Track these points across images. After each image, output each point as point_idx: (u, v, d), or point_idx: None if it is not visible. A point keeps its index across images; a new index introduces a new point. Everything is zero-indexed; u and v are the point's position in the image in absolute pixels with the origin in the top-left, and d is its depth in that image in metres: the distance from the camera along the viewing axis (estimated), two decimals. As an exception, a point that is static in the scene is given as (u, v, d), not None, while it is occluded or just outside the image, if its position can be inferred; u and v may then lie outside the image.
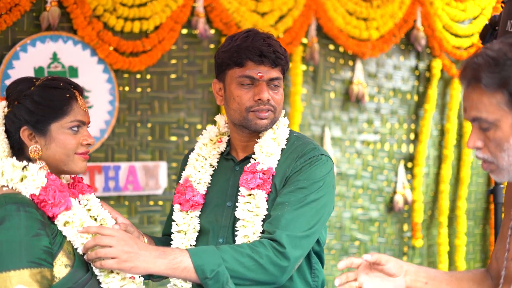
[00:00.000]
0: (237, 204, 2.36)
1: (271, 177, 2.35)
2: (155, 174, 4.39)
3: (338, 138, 5.14)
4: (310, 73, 5.03)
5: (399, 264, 1.97)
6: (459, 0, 5.57)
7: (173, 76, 4.51)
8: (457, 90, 5.55)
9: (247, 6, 4.67)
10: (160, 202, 4.45)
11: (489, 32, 4.23)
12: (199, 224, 2.45)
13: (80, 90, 2.27)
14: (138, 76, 4.41)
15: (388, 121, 5.38)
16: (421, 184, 5.43)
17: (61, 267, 2.10)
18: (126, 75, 4.37)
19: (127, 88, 4.38)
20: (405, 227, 5.44)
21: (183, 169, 2.57)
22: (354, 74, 5.17)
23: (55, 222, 2.14)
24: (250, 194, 2.34)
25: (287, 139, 2.43)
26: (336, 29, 5.00)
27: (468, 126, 5.57)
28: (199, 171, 2.48)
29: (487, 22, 4.38)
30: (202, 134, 2.54)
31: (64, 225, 2.14)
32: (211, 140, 2.52)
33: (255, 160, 2.38)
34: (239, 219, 2.34)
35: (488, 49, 1.75)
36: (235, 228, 2.35)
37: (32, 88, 2.20)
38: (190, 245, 2.43)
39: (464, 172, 5.66)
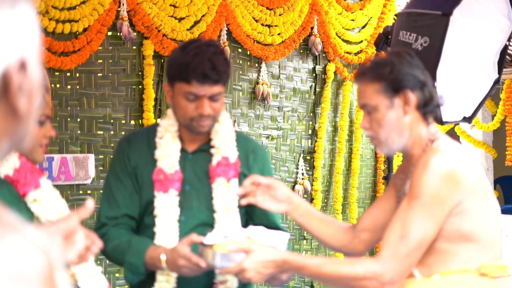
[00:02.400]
0: (214, 192, 2.74)
1: (236, 166, 2.79)
2: (84, 165, 4.71)
3: (246, 132, 5.64)
4: (221, 74, 5.50)
5: (288, 195, 2.68)
6: (350, 10, 6.23)
7: (99, 74, 4.85)
8: (348, 91, 6.21)
9: (166, 11, 5.08)
10: (89, 191, 4.78)
11: (382, 41, 4.89)
12: (178, 201, 2.76)
13: (47, 88, 2.59)
14: (68, 74, 4.72)
15: (289, 118, 5.94)
16: (320, 175, 6.02)
17: None
18: (57, 73, 4.67)
19: (58, 85, 4.69)
20: (305, 213, 6.00)
21: (131, 160, 2.81)
22: (259, 75, 5.69)
23: (25, 200, 2.41)
24: (222, 183, 2.75)
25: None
26: (244, 34, 5.51)
27: (357, 123, 6.23)
28: (173, 165, 2.77)
29: (381, 32, 5.06)
30: (159, 129, 2.82)
31: (33, 201, 2.41)
32: (171, 135, 2.81)
33: (220, 153, 2.78)
34: (211, 206, 2.74)
35: (377, 58, 2.54)
36: (213, 211, 2.74)
37: None
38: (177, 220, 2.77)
39: (354, 164, 6.31)
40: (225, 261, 2.45)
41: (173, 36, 5.08)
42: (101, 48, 4.82)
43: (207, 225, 2.73)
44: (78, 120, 4.77)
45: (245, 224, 2.75)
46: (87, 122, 4.80)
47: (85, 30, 4.71)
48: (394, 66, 2.43)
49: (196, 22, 5.25)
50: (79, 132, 4.77)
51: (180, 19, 5.17)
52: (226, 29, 5.41)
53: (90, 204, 1.97)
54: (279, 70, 5.86)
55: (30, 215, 2.41)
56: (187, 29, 5.20)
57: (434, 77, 3.74)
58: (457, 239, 2.33)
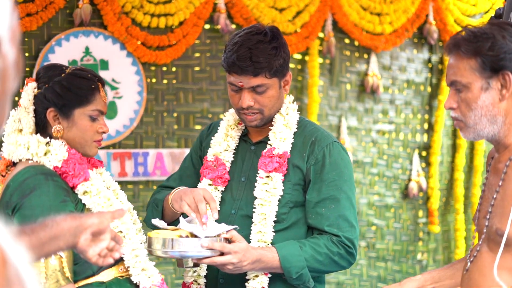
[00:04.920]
0: (255, 184, 2.63)
1: (286, 160, 2.63)
2: (180, 160, 4.65)
3: (354, 127, 5.39)
4: (327, 66, 5.29)
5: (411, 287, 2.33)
6: (470, -6, 5.80)
7: (197, 68, 4.79)
8: (469, 82, 5.77)
9: (266, 2, 4.93)
10: (186, 186, 4.73)
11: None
12: (220, 197, 2.74)
13: (103, 83, 2.52)
14: (164, 68, 4.70)
15: (402, 112, 5.61)
16: (436, 172, 5.65)
17: None
18: (153, 68, 4.66)
19: (154, 80, 4.68)
20: (420, 213, 5.66)
21: (202, 143, 2.84)
22: (369, 67, 5.41)
23: (76, 192, 2.36)
24: (268, 176, 2.62)
25: (298, 122, 2.71)
26: (351, 24, 5.25)
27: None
28: (226, 150, 2.75)
29: (492, 15, 4.64)
30: (225, 116, 2.82)
31: (83, 194, 2.36)
32: (234, 122, 2.79)
33: (270, 145, 2.66)
34: (256, 198, 2.63)
35: (472, 27, 2.11)
36: (253, 206, 2.64)
37: (62, 75, 2.42)
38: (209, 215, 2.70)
39: (477, 160, 5.87)
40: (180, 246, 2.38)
41: (274, 28, 4.92)
42: (198, 41, 4.76)
43: (250, 218, 2.63)
44: (175, 115, 4.73)
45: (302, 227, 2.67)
46: (184, 117, 4.75)
47: (180, 23, 4.67)
48: (495, 41, 2.04)
49: (299, 13, 5.06)
50: (175, 127, 4.73)
51: (281, 10, 5.01)
52: (332, 19, 5.18)
53: (125, 208, 1.99)
54: (391, 61, 5.55)
55: (81, 207, 2.37)
56: (289, 20, 5.03)
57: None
58: None
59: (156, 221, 2.50)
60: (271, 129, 2.68)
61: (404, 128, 5.63)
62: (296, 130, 2.70)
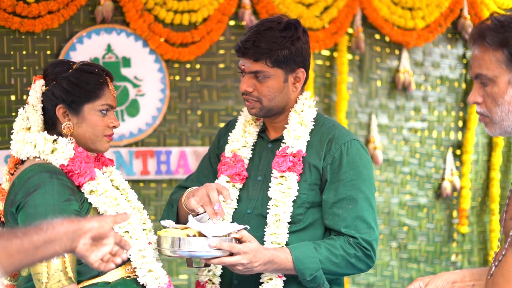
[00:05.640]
0: (270, 184, 2.56)
1: (301, 159, 2.54)
2: (204, 159, 4.60)
3: (385, 125, 5.25)
4: (356, 62, 5.17)
5: (445, 280, 2.16)
6: (507, -12, 5.61)
7: (221, 65, 4.73)
8: (506, 78, 5.58)
9: (293, -3, 4.84)
10: (210, 185, 4.67)
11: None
12: (238, 195, 2.67)
13: (111, 77, 2.49)
14: (188, 65, 4.65)
15: (435, 109, 5.45)
16: (469, 171, 5.47)
17: None
18: (176, 65, 4.61)
19: (177, 77, 4.62)
20: (455, 213, 5.49)
21: (220, 142, 2.78)
22: (400, 63, 5.27)
23: (82, 191, 2.34)
24: (282, 176, 2.54)
25: (315, 119, 2.62)
26: (381, 19, 5.11)
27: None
28: (244, 146, 2.68)
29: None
30: (242, 111, 2.75)
31: (90, 193, 2.34)
32: (252, 118, 2.72)
33: (284, 144, 2.58)
34: (271, 198, 2.55)
35: (499, 15, 1.94)
36: (267, 207, 2.56)
37: (70, 71, 2.40)
38: (226, 213, 2.63)
39: (515, 159, 5.68)
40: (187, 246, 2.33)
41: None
42: (222, 38, 4.69)
43: (265, 218, 2.57)
44: (199, 112, 4.68)
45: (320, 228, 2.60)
46: (208, 115, 4.69)
47: (204, 20, 4.61)
48: None
49: (327, 8, 4.95)
50: (199, 125, 4.67)
51: (308, 5, 4.91)
52: (361, 14, 5.06)
53: (129, 212, 1.97)
54: (423, 57, 5.39)
55: (87, 206, 2.34)
56: (316, 16, 4.93)
57: None
58: None
59: (164, 222, 2.45)
60: (286, 127, 2.60)
61: (438, 126, 5.47)
62: (312, 127, 2.61)
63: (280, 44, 2.49)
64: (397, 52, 5.28)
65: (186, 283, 4.68)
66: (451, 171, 5.43)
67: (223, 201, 2.42)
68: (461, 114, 5.53)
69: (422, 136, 5.41)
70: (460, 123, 5.54)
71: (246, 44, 2.50)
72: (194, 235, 2.32)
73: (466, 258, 5.53)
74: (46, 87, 2.40)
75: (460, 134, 5.53)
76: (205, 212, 2.42)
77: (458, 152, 5.51)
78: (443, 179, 5.42)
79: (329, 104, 5.10)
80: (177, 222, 2.59)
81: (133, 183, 4.49)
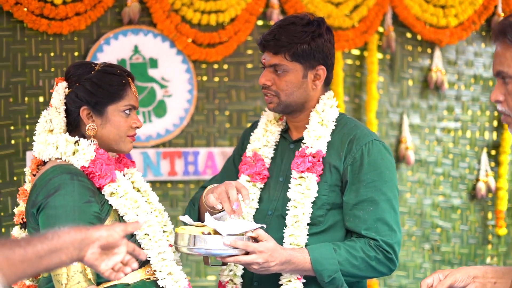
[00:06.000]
0: (289, 185, 2.52)
1: (321, 160, 2.50)
2: (232, 159, 4.58)
3: (417, 125, 5.17)
4: (387, 61, 5.09)
5: (465, 274, 2.07)
6: (544, -16, 5.47)
7: (249, 65, 4.70)
8: (543, 76, 5.44)
9: (321, -4, 4.79)
10: (238, 186, 4.65)
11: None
12: (259, 195, 2.64)
13: (132, 78, 2.48)
14: (216, 66, 4.63)
15: (469, 108, 5.34)
16: (507, 171, 5.36)
17: None
18: (203, 66, 4.60)
19: (205, 78, 4.61)
20: (490, 215, 5.38)
21: (244, 143, 2.76)
22: (432, 62, 5.18)
23: (102, 193, 2.33)
24: (301, 177, 2.51)
25: (337, 119, 2.58)
26: (412, 17, 5.03)
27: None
28: (266, 145, 2.65)
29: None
30: (265, 111, 2.72)
31: (110, 195, 2.33)
32: (275, 118, 2.69)
33: (304, 144, 2.54)
34: (290, 199, 2.51)
35: None
36: (286, 208, 2.52)
37: (92, 72, 2.40)
38: (247, 213, 2.60)
39: (552, 159, 5.54)
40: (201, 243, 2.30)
41: (330, 23, 4.77)
42: (250, 38, 4.66)
43: (285, 219, 2.53)
44: (227, 113, 4.66)
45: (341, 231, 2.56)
46: (236, 115, 4.66)
47: (232, 20, 4.59)
48: None
49: (356, 7, 4.89)
50: (227, 125, 4.65)
51: (338, 4, 4.85)
52: (392, 12, 4.98)
53: (141, 220, 1.89)
54: (456, 55, 5.29)
55: (107, 208, 2.34)
56: (346, 15, 4.87)
57: None
58: None
59: (183, 217, 2.43)
60: (306, 127, 2.56)
61: (472, 126, 5.36)
62: (334, 128, 2.56)
63: (300, 38, 2.47)
64: (429, 50, 5.19)
65: (214, 284, 4.67)
66: (486, 172, 5.32)
67: (242, 200, 2.39)
68: (496, 113, 5.41)
69: (456, 136, 5.31)
70: (495, 123, 5.42)
71: (267, 37, 2.50)
72: (209, 233, 2.30)
73: (501, 260, 5.41)
74: (69, 89, 2.40)
75: (494, 134, 5.41)
76: (223, 210, 2.40)
77: (493, 152, 5.40)
78: (477, 180, 5.32)
79: (359, 104, 5.03)
80: (199, 221, 2.57)
81: (161, 184, 4.50)
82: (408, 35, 5.13)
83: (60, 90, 2.41)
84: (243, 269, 2.58)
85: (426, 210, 5.20)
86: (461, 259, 5.29)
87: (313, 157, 2.50)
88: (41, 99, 4.25)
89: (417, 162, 5.15)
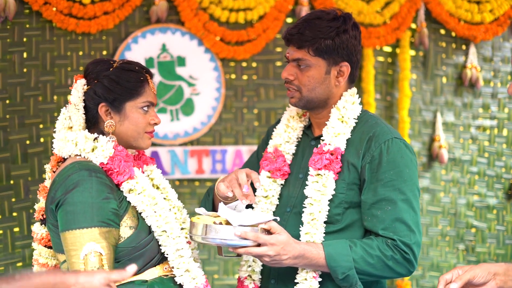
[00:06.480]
0: (306, 182, 2.50)
1: (339, 157, 2.46)
2: (261, 158, 4.56)
3: (451, 123, 5.07)
4: (420, 58, 5.01)
5: (486, 270, 2.03)
6: None
7: (278, 63, 4.67)
8: None
9: (352, -7, 4.73)
10: (266, 185, 4.62)
11: None
12: (280, 191, 2.61)
13: (151, 74, 2.49)
14: (244, 64, 4.61)
15: (506, 106, 5.22)
16: (544, 171, 5.23)
17: (126, 228, 2.30)
18: (232, 64, 4.59)
19: (233, 76, 4.60)
20: (527, 215, 5.26)
21: (268, 139, 2.74)
22: (467, 59, 5.07)
23: (121, 189, 2.34)
24: (318, 174, 2.47)
25: (359, 117, 2.54)
26: (446, 13, 4.94)
27: None
28: (287, 141, 2.63)
29: None
30: (288, 107, 2.69)
31: (129, 192, 2.34)
32: (297, 114, 2.66)
33: (323, 141, 2.51)
34: (307, 197, 2.48)
35: None
36: (303, 205, 2.49)
37: (110, 69, 2.41)
38: (267, 209, 2.58)
39: None
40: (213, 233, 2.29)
41: (361, 20, 4.72)
42: (278, 36, 4.63)
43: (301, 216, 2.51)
44: (255, 111, 4.64)
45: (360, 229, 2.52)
46: (264, 113, 4.64)
47: (260, 18, 4.57)
48: None
49: (388, 3, 4.82)
50: (256, 123, 4.63)
51: (369, 1, 4.79)
52: (424, 8, 4.89)
53: (130, 269, 1.80)
54: (492, 52, 5.17)
55: (125, 204, 2.34)
56: (377, 11, 4.80)
57: None
58: None
59: (199, 209, 2.43)
60: (326, 124, 2.52)
61: (508, 124, 5.23)
62: (354, 125, 2.52)
63: (324, 33, 2.43)
64: (463, 47, 5.09)
65: (243, 283, 4.64)
66: (523, 171, 5.20)
67: (255, 184, 2.38)
68: (533, 111, 5.29)
69: (491, 135, 5.19)
70: (533, 121, 5.29)
71: (291, 31, 2.48)
72: (220, 223, 2.29)
73: (539, 262, 5.28)
74: (87, 86, 2.42)
75: (532, 132, 5.29)
76: (237, 200, 2.39)
77: (530, 151, 5.27)
78: (514, 179, 5.20)
79: (391, 102, 4.96)
80: (213, 211, 2.56)
81: (188, 182, 4.49)
82: (442, 31, 5.04)
83: (78, 87, 2.42)
84: (261, 265, 2.55)
85: (461, 210, 5.10)
86: (497, 260, 5.17)
87: (331, 154, 2.46)
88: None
89: (451, 160, 5.05)
